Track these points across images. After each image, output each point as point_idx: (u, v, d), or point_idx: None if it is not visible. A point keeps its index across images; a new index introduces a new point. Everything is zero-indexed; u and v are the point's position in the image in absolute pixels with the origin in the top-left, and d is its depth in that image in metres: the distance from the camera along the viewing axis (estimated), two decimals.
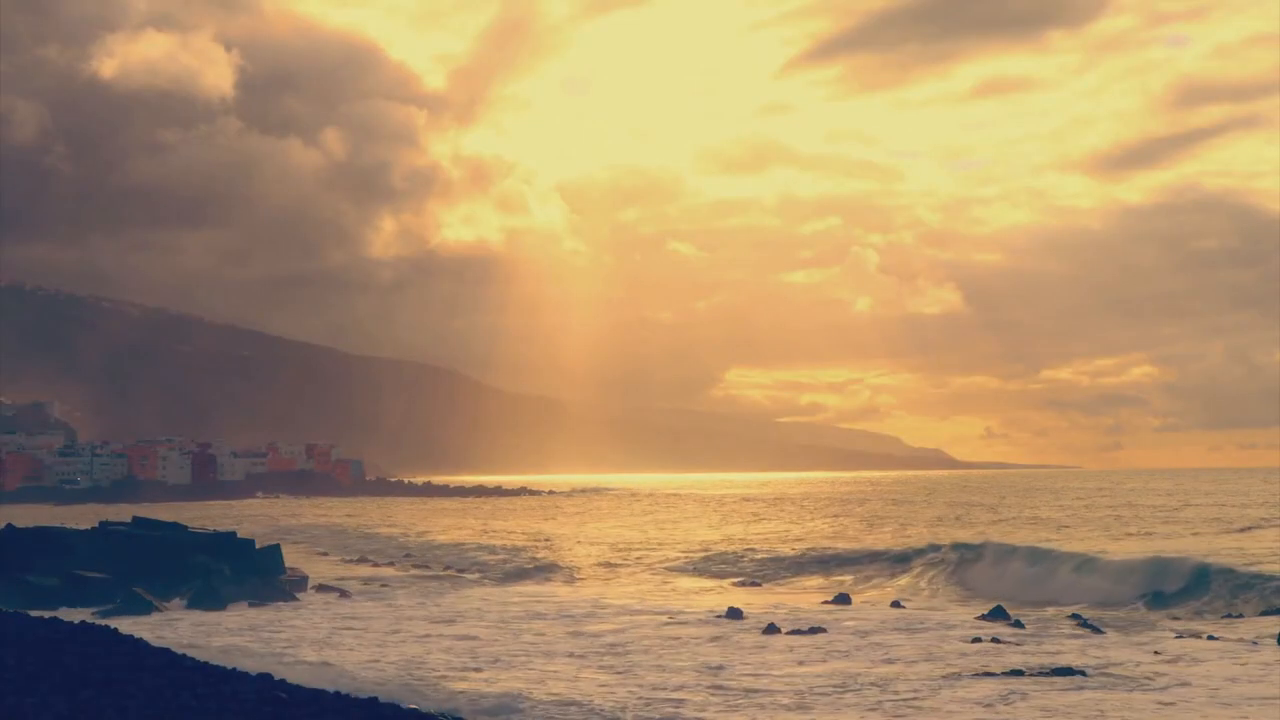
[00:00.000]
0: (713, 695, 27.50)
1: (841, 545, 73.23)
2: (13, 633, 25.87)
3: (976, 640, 35.47)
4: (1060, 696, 26.76)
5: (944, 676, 29.52)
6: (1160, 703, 26.23)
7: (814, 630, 38.51)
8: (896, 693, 27.54)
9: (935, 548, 64.02)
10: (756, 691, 27.88)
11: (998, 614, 41.66)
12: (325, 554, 79.84)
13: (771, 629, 38.91)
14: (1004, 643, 34.87)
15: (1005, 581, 53.52)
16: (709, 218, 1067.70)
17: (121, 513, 71.54)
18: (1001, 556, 58.82)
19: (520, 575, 63.28)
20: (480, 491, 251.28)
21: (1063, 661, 31.11)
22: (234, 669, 22.44)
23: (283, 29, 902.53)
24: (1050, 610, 44.21)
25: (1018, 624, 39.45)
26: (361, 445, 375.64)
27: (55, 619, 29.81)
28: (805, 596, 52.07)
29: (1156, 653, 32.70)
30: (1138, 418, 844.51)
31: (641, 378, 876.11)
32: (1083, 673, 29.24)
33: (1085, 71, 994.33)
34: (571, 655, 33.92)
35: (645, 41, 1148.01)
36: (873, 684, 28.65)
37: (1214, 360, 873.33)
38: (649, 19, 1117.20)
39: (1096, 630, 38.14)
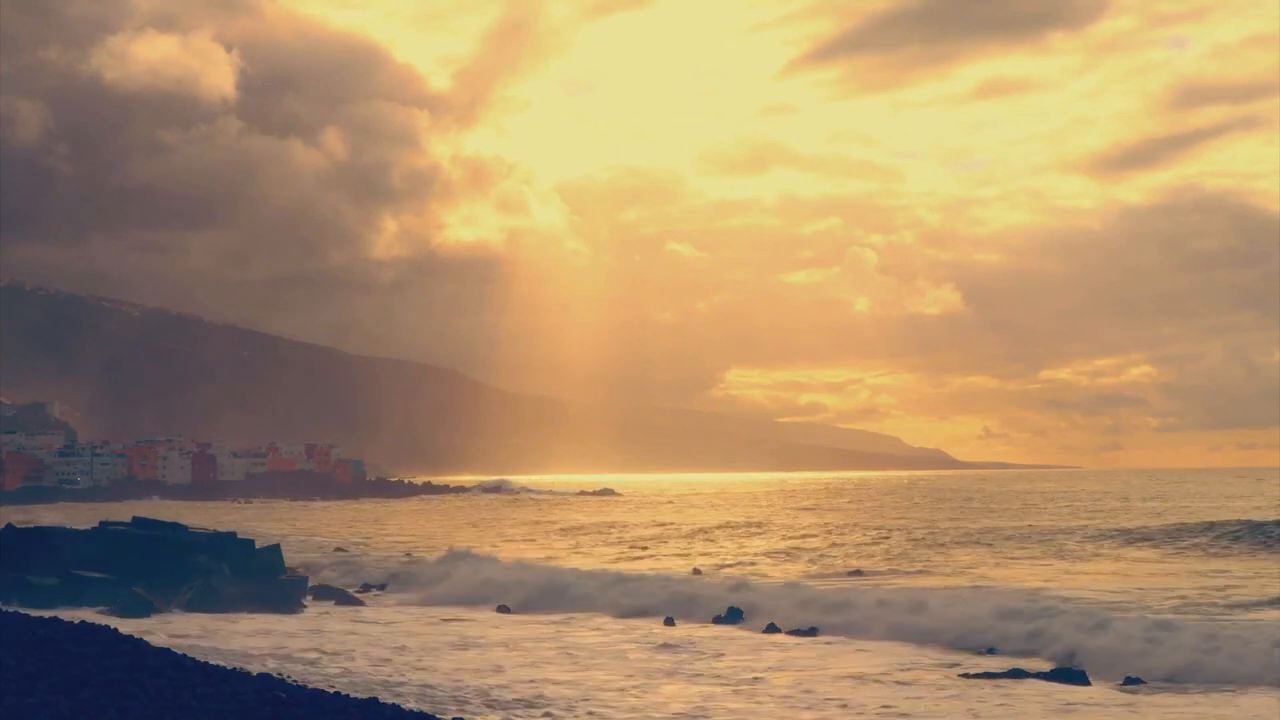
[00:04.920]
0: (717, 699, 27.51)
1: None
2: (13, 633, 25.83)
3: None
4: (1063, 697, 26.82)
5: (947, 677, 29.57)
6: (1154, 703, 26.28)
7: (813, 630, 38.65)
8: (899, 694, 27.57)
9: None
10: (761, 694, 27.93)
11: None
12: (325, 555, 79.69)
13: (771, 628, 39.09)
14: (1008, 644, 34.91)
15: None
16: (710, 218, 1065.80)
17: (121, 513, 71.45)
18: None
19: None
20: (481, 489, 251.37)
21: (1062, 664, 31.14)
22: (234, 669, 22.42)
23: (283, 30, 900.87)
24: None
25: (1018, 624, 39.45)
26: (362, 445, 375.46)
27: (55, 619, 29.75)
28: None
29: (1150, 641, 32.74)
30: (1137, 418, 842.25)
31: (642, 378, 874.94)
32: (1083, 674, 29.27)
33: (1085, 72, 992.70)
34: (575, 659, 33.94)
35: (647, 43, 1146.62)
36: (876, 685, 28.68)
37: (1214, 360, 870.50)
38: (650, 21, 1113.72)
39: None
